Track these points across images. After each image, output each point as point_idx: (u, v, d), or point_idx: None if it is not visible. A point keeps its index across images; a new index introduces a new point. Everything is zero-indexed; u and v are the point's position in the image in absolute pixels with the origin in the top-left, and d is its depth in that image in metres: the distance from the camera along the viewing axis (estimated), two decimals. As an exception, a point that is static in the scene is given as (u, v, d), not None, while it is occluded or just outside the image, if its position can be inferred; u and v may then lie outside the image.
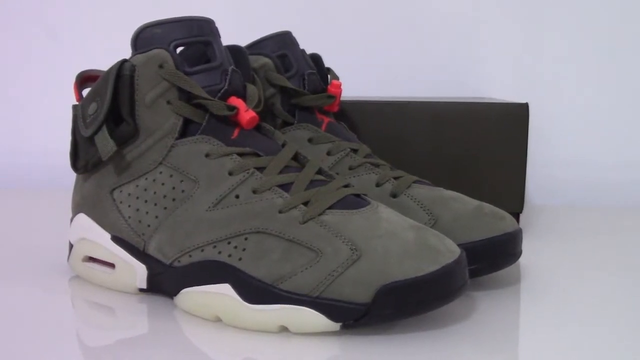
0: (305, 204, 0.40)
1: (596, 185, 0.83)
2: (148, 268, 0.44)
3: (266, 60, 0.52)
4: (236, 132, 0.44)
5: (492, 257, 0.46)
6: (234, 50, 0.47)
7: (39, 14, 0.89)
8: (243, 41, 0.53)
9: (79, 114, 0.45)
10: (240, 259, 0.39)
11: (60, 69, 0.86)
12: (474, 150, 0.63)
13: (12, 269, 0.51)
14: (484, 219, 0.47)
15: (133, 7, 0.87)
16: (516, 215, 0.64)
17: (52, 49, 0.89)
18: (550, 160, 0.83)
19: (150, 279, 0.44)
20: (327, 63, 0.57)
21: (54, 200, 0.72)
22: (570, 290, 0.48)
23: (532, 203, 0.82)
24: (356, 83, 0.74)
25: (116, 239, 0.45)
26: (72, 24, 0.89)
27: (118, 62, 0.43)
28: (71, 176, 0.49)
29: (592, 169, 0.84)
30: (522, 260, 0.55)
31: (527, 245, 0.55)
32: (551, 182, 0.83)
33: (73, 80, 0.49)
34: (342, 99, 0.59)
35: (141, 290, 0.45)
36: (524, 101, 0.64)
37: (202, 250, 0.41)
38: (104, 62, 0.50)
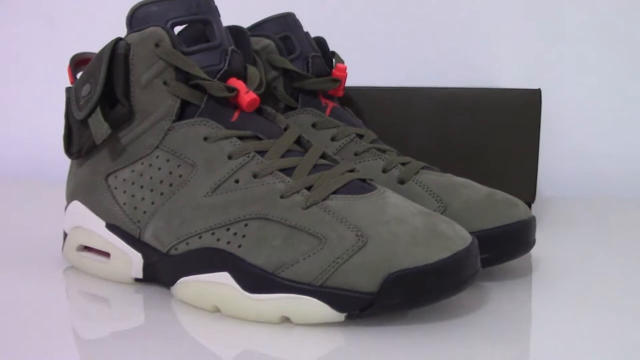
0: (309, 188, 0.39)
1: (609, 176, 0.82)
2: (144, 257, 0.42)
3: (268, 41, 0.50)
4: (236, 115, 0.42)
5: (504, 246, 0.44)
6: (234, 30, 0.45)
7: (37, 1, 0.88)
8: (244, 22, 0.51)
9: (72, 96, 0.44)
10: (239, 246, 0.38)
11: (59, 57, 0.84)
12: (484, 139, 0.61)
13: (6, 261, 0.50)
14: (496, 206, 0.45)
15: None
16: (528, 206, 0.62)
17: (51, 37, 0.88)
18: (562, 151, 0.82)
19: (146, 268, 0.43)
20: (334, 49, 0.55)
21: (49, 189, 0.71)
22: (583, 281, 0.47)
23: (543, 194, 0.81)
24: (362, 69, 0.72)
25: (111, 227, 0.43)
26: (70, 12, 0.88)
27: (112, 41, 0.42)
28: (65, 168, 0.48)
29: (604, 160, 0.82)
30: (534, 251, 0.53)
31: (538, 236, 0.54)
32: (563, 173, 0.82)
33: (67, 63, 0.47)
34: (347, 86, 0.58)
35: (137, 280, 0.44)
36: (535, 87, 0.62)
37: (200, 238, 0.39)
38: (100, 46, 0.49)
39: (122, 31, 0.43)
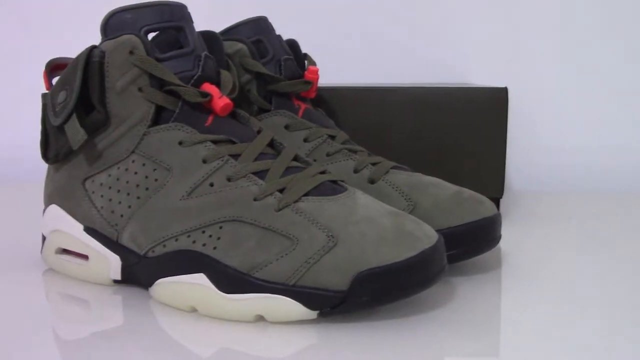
0: (281, 191, 0.40)
1: (576, 170, 0.84)
2: (122, 259, 0.43)
3: (241, 45, 0.51)
4: (210, 119, 0.43)
5: (471, 242, 0.46)
6: (207, 35, 0.46)
7: (12, 3, 0.87)
8: (217, 27, 0.52)
9: (48, 102, 0.44)
10: (215, 248, 0.39)
11: (32, 59, 0.84)
12: (454, 136, 0.62)
13: (-15, 263, 0.50)
14: (463, 203, 0.46)
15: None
16: (496, 201, 0.64)
17: (25, 40, 0.87)
18: (530, 145, 0.83)
19: (125, 270, 0.43)
20: (304, 49, 0.56)
21: (26, 191, 0.71)
22: (550, 275, 0.48)
23: (512, 189, 0.82)
24: (333, 69, 0.73)
25: (89, 230, 0.44)
26: (45, 13, 0.87)
27: (87, 49, 0.42)
28: (42, 170, 0.48)
29: (573, 154, 0.84)
30: (502, 245, 0.55)
31: (507, 230, 0.55)
32: (531, 167, 0.84)
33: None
34: (319, 85, 0.59)
35: (115, 281, 0.44)
36: (503, 85, 0.63)
37: (177, 240, 0.40)
38: (77, 51, 0.49)
39: (96, 35, 0.44)
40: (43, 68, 0.47)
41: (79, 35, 0.76)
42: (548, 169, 0.84)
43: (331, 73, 0.70)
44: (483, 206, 0.47)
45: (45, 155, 0.46)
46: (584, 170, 0.83)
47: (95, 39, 0.44)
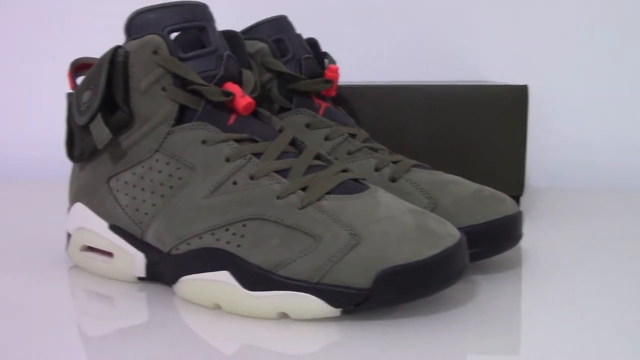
0: (304, 189, 0.40)
1: (596, 167, 0.83)
2: (146, 256, 0.44)
3: (262, 45, 0.51)
4: (232, 118, 0.43)
5: (492, 240, 0.46)
6: (229, 35, 0.46)
7: (34, 2, 0.89)
8: (238, 26, 0.52)
9: (73, 102, 0.45)
10: (238, 246, 0.39)
11: (56, 57, 0.85)
12: (473, 134, 0.62)
13: (11, 260, 0.51)
14: (484, 202, 0.46)
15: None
16: (516, 199, 0.64)
17: (47, 37, 0.88)
18: (550, 142, 0.83)
19: (149, 267, 0.44)
20: (324, 47, 0.56)
21: (51, 190, 0.72)
22: (571, 273, 0.48)
23: (532, 186, 0.82)
24: (353, 68, 0.73)
25: (114, 228, 0.45)
26: (67, 11, 0.88)
27: (111, 49, 0.43)
28: (67, 167, 0.49)
29: (592, 150, 0.84)
30: (523, 243, 0.54)
31: (527, 228, 0.55)
32: (551, 164, 0.83)
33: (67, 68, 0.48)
34: (339, 84, 0.59)
35: (140, 278, 0.45)
36: (522, 82, 0.63)
37: (201, 238, 0.41)
38: (99, 49, 0.50)
39: (117, 34, 0.44)
40: (67, 67, 0.48)
41: (96, 33, 0.77)
42: (568, 166, 0.83)
43: (350, 71, 0.70)
44: (504, 204, 0.47)
45: (70, 154, 0.47)
46: (604, 168, 0.83)
47: (111, 35, 0.44)
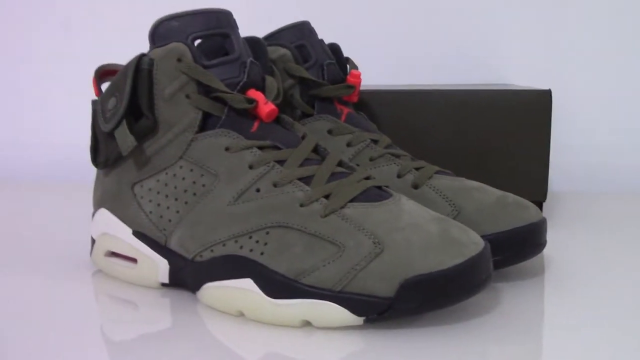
0: (327, 197, 0.40)
1: (620, 171, 0.82)
2: (170, 263, 0.44)
3: (284, 51, 0.51)
4: (256, 125, 0.43)
5: (516, 248, 0.46)
6: (252, 41, 0.47)
7: (53, 4, 0.89)
8: (261, 32, 0.52)
9: (98, 109, 0.45)
10: (262, 254, 0.39)
11: (77, 61, 0.86)
12: (496, 139, 0.62)
13: (36, 264, 0.52)
14: (508, 209, 0.46)
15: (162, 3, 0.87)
16: (539, 204, 0.63)
17: (67, 41, 0.89)
18: (572, 146, 0.82)
19: (172, 273, 0.44)
20: (346, 52, 0.56)
21: (76, 195, 0.72)
22: (595, 280, 0.48)
23: (554, 191, 0.81)
24: (375, 72, 0.73)
25: (138, 234, 0.45)
26: (87, 14, 0.89)
27: (136, 57, 0.43)
28: (92, 170, 0.49)
29: (616, 154, 0.83)
30: (546, 249, 0.54)
31: (550, 234, 0.54)
32: (574, 169, 0.82)
33: (92, 74, 0.49)
34: (361, 88, 0.59)
35: (163, 284, 0.45)
36: (545, 86, 0.62)
37: (224, 245, 0.41)
38: (118, 53, 0.50)
39: (137, 30, 0.44)
40: (88, 71, 0.48)
41: (120, 37, 0.77)
42: (591, 170, 0.82)
43: (372, 75, 0.70)
44: (528, 212, 0.46)
45: (94, 160, 0.47)
46: (629, 171, 0.82)
47: (131, 40, 0.44)
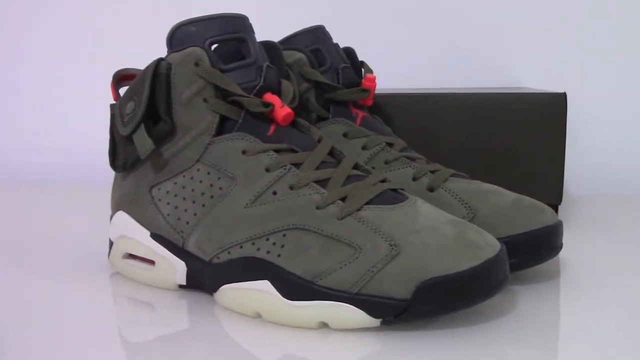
0: (343, 199, 0.40)
1: (634, 173, 0.82)
2: (187, 265, 0.45)
3: (300, 55, 0.51)
4: (272, 129, 0.44)
5: (532, 251, 0.46)
6: (268, 46, 0.47)
7: (70, 10, 0.90)
8: (276, 36, 0.53)
9: (116, 112, 0.46)
10: (279, 256, 0.40)
11: (95, 65, 0.87)
12: (511, 142, 0.62)
13: (54, 266, 0.52)
14: (524, 211, 0.46)
15: (164, 2, 0.88)
16: (555, 207, 0.63)
17: (86, 46, 0.90)
18: (587, 148, 0.82)
19: (190, 275, 0.45)
20: (361, 57, 0.57)
21: (94, 197, 0.73)
22: (612, 282, 0.48)
23: (570, 193, 0.81)
24: (390, 76, 0.73)
25: (155, 236, 0.46)
26: (103, 20, 0.90)
27: (155, 61, 0.43)
28: (111, 173, 0.50)
29: (631, 157, 0.82)
30: (562, 252, 0.54)
31: (566, 237, 0.54)
32: (589, 171, 0.82)
33: (110, 79, 0.49)
34: (376, 92, 0.59)
35: (181, 286, 0.46)
36: (559, 89, 0.62)
37: (241, 247, 0.41)
38: (136, 58, 0.50)
39: (152, 35, 0.44)
40: (106, 75, 0.49)
41: (138, 42, 0.78)
42: (606, 173, 0.82)
43: (386, 79, 0.70)
44: (544, 214, 0.46)
45: (113, 164, 0.48)
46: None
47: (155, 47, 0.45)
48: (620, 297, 0.45)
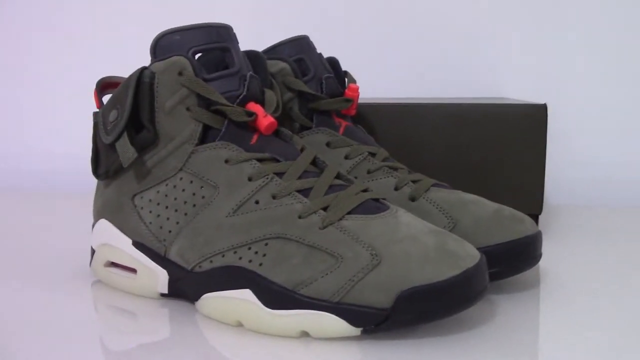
0: (325, 209, 0.41)
1: (614, 184, 0.83)
2: (169, 273, 0.44)
3: (284, 64, 0.52)
4: (255, 138, 0.44)
5: (512, 261, 0.46)
6: (251, 55, 0.47)
7: (53, 17, 0.90)
8: (260, 46, 0.53)
9: (99, 121, 0.46)
10: (260, 265, 0.40)
11: (78, 71, 0.87)
12: (492, 152, 0.62)
13: (35, 274, 0.52)
14: (504, 222, 0.47)
15: (148, 12, 0.88)
16: (535, 217, 0.64)
17: (69, 52, 0.90)
18: (568, 160, 0.83)
19: (172, 284, 0.45)
20: (344, 66, 0.57)
21: (76, 204, 0.73)
22: (590, 291, 0.48)
23: (550, 203, 0.82)
24: (373, 85, 0.74)
25: (137, 245, 0.46)
26: (87, 27, 0.90)
27: (138, 70, 0.44)
28: (93, 181, 0.50)
29: (611, 168, 0.83)
30: (542, 261, 0.54)
31: (546, 246, 0.55)
32: (569, 182, 0.83)
33: (93, 86, 0.49)
34: (359, 102, 0.59)
35: (163, 295, 0.46)
36: (540, 100, 0.63)
37: (223, 256, 0.41)
38: (118, 64, 0.50)
39: (136, 43, 0.44)
40: (89, 81, 0.49)
41: (120, 50, 0.78)
42: (586, 184, 0.83)
43: (369, 89, 0.70)
44: (524, 225, 0.47)
45: (95, 172, 0.48)
46: (623, 185, 0.83)
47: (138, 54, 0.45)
48: (599, 306, 0.45)
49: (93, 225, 0.49)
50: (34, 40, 0.91)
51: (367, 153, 0.51)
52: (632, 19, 0.82)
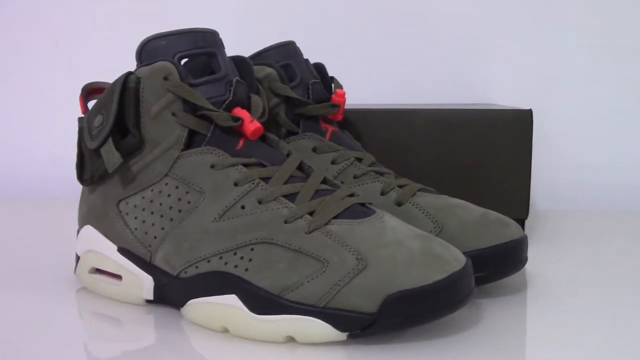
0: (311, 213, 0.41)
1: (600, 189, 0.83)
2: (155, 279, 0.44)
3: (270, 70, 0.52)
4: (241, 143, 0.44)
5: (498, 265, 0.46)
6: (238, 61, 0.47)
7: (42, 20, 0.90)
8: (247, 51, 0.53)
9: (84, 126, 0.46)
10: (246, 270, 0.40)
11: (64, 75, 0.87)
12: (478, 157, 0.63)
13: (19, 281, 0.52)
14: (490, 226, 0.47)
15: (136, 17, 0.88)
16: (521, 222, 0.64)
17: (55, 56, 0.90)
18: (554, 164, 0.84)
19: (157, 290, 0.44)
20: (331, 72, 0.57)
21: (60, 210, 0.72)
22: (576, 295, 0.49)
23: (536, 208, 0.82)
24: (359, 91, 0.74)
25: (123, 251, 0.45)
26: (75, 30, 0.90)
27: (123, 75, 0.43)
28: (78, 186, 0.50)
29: (597, 172, 0.84)
30: (528, 266, 0.55)
31: (532, 250, 0.55)
32: (555, 186, 0.83)
33: (78, 92, 0.49)
34: (345, 107, 0.60)
35: (148, 301, 0.45)
36: (527, 105, 0.64)
37: (209, 261, 0.41)
38: (105, 69, 0.50)
39: (123, 46, 0.44)
40: (75, 85, 0.49)
41: (108, 53, 0.78)
42: (572, 188, 0.84)
43: (356, 95, 0.71)
44: (509, 229, 0.47)
45: (80, 177, 0.47)
46: (609, 190, 0.83)
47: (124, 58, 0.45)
48: (585, 310, 0.45)
49: (78, 232, 0.49)
50: (32, 41, 0.90)
51: (353, 158, 0.52)
52: (621, 20, 0.83)
